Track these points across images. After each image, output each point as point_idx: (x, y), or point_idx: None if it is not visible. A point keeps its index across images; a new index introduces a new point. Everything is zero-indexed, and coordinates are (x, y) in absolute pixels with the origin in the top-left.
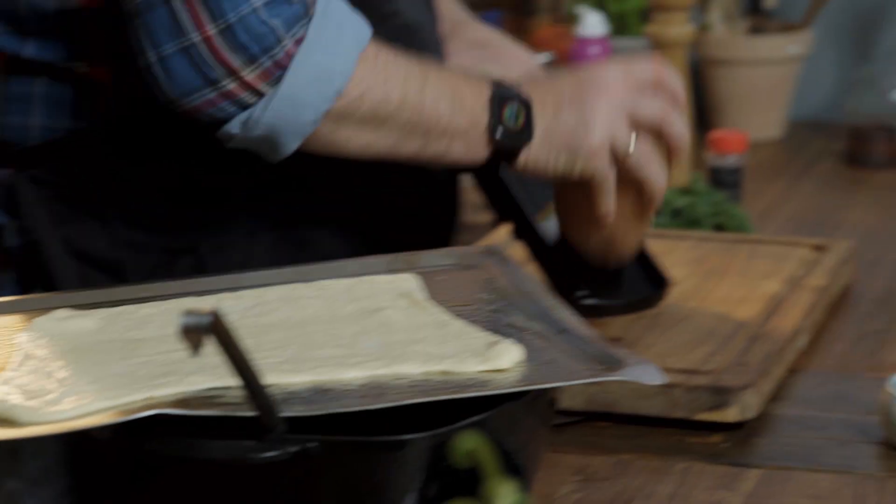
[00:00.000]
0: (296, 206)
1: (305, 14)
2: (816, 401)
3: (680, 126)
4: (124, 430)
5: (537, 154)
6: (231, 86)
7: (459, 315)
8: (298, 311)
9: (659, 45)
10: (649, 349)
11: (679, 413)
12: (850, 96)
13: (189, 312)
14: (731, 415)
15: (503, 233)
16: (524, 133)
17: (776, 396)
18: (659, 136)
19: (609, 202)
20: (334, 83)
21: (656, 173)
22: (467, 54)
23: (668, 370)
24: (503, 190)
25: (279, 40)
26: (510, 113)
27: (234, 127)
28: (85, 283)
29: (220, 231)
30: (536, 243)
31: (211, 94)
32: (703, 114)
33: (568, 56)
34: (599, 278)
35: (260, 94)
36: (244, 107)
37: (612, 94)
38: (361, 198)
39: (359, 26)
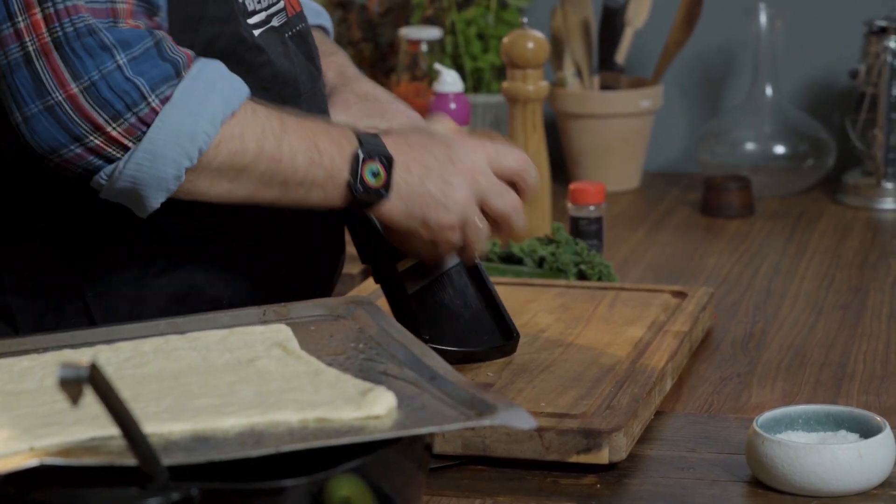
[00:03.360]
0: (182, 251)
1: (176, 75)
2: (684, 441)
3: (521, 222)
4: (9, 481)
5: (392, 211)
6: (97, 141)
7: (332, 364)
8: (174, 362)
9: (514, 101)
10: (520, 394)
11: (552, 456)
12: (701, 148)
13: (67, 365)
14: (602, 457)
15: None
16: (382, 191)
17: (645, 438)
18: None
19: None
20: (197, 143)
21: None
22: (355, 107)
23: (539, 414)
24: (369, 233)
25: (143, 97)
26: (370, 171)
27: (101, 178)
28: None
29: (107, 276)
30: (392, 288)
31: (78, 150)
32: (562, 166)
33: (427, 112)
34: (447, 327)
35: (125, 149)
36: (110, 160)
37: (475, 180)
38: (248, 245)
39: (232, 89)
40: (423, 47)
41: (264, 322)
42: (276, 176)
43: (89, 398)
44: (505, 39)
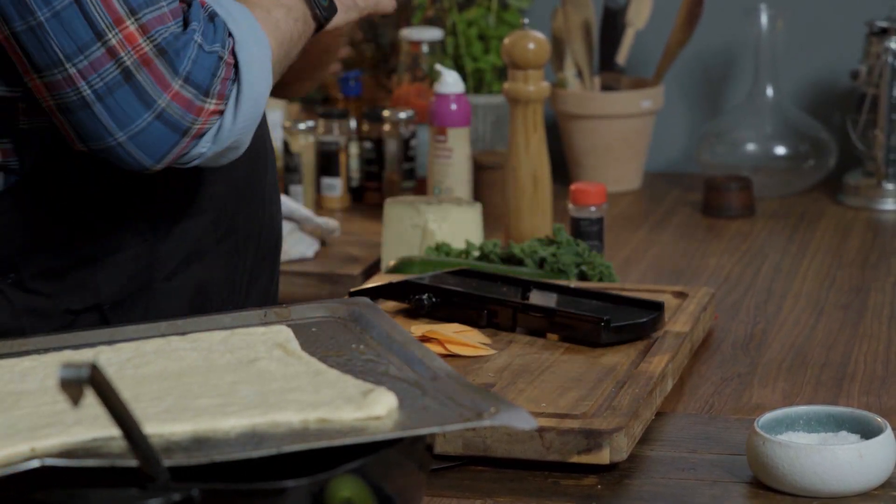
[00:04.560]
0: (187, 255)
1: (222, 21)
2: (685, 442)
3: None
4: (10, 481)
5: (339, 17)
6: (198, 125)
7: (333, 365)
8: (175, 362)
9: (515, 102)
10: (521, 394)
11: (553, 456)
12: (702, 148)
13: (67, 365)
14: (603, 457)
15: (373, 284)
16: (333, 4)
17: (646, 439)
18: None
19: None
20: (266, 60)
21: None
22: None
23: (540, 415)
24: None
25: (220, 59)
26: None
27: (202, 147)
28: None
29: (120, 286)
30: (540, 316)
31: (184, 142)
32: (563, 166)
33: (428, 113)
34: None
35: (220, 113)
36: (206, 133)
37: None
38: (251, 245)
39: (250, 16)
40: (425, 48)
41: (265, 323)
42: (285, 46)
43: (90, 399)
44: (506, 40)
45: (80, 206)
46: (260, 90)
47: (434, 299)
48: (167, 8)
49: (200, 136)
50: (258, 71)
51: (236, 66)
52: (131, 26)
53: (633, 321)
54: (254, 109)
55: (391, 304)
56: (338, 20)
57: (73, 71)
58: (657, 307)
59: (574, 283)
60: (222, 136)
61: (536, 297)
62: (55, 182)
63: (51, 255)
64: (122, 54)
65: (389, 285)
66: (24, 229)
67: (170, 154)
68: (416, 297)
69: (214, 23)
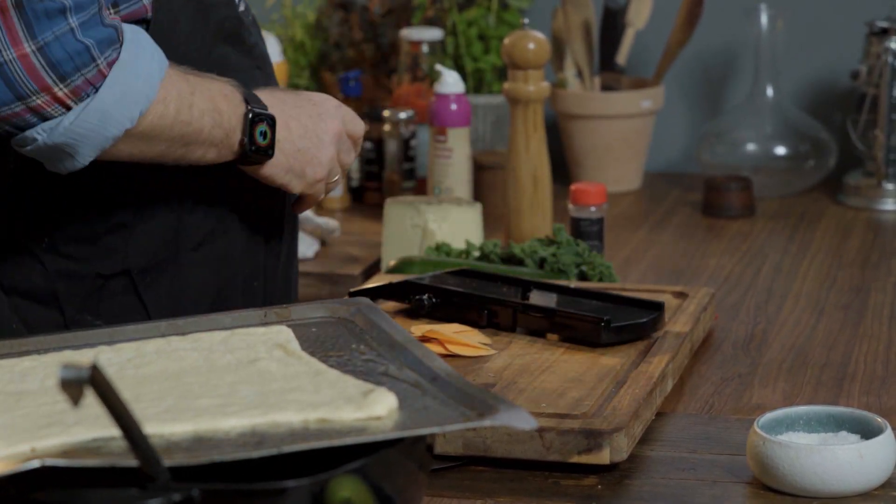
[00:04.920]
0: (214, 221)
1: (117, 38)
2: (685, 442)
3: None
4: (10, 481)
5: (274, 167)
6: (39, 101)
7: (334, 365)
8: (176, 362)
9: (515, 102)
10: (521, 395)
11: (553, 456)
12: (702, 148)
13: (68, 365)
14: (603, 457)
15: (373, 284)
16: (268, 150)
17: (646, 439)
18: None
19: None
20: (139, 104)
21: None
22: None
23: (540, 415)
24: None
25: (93, 59)
26: (259, 131)
27: (37, 132)
28: (19, 316)
29: (149, 253)
30: (540, 316)
31: (18, 108)
32: (563, 167)
33: (428, 113)
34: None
35: (67, 109)
36: (46, 119)
37: (336, 139)
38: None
39: (160, 53)
40: (425, 48)
41: (265, 323)
42: (185, 137)
43: (90, 399)
44: (506, 40)
45: (114, 175)
46: (116, 114)
47: (434, 300)
48: None
49: (39, 114)
50: (123, 98)
51: (103, 79)
52: None
53: (633, 321)
54: (98, 125)
55: (391, 305)
56: (271, 171)
57: None
58: (657, 307)
59: (574, 284)
60: (57, 131)
61: (537, 298)
62: None
63: (84, 221)
64: None
65: (389, 285)
66: (61, 195)
67: (1, 110)
68: (417, 297)
69: (107, 29)
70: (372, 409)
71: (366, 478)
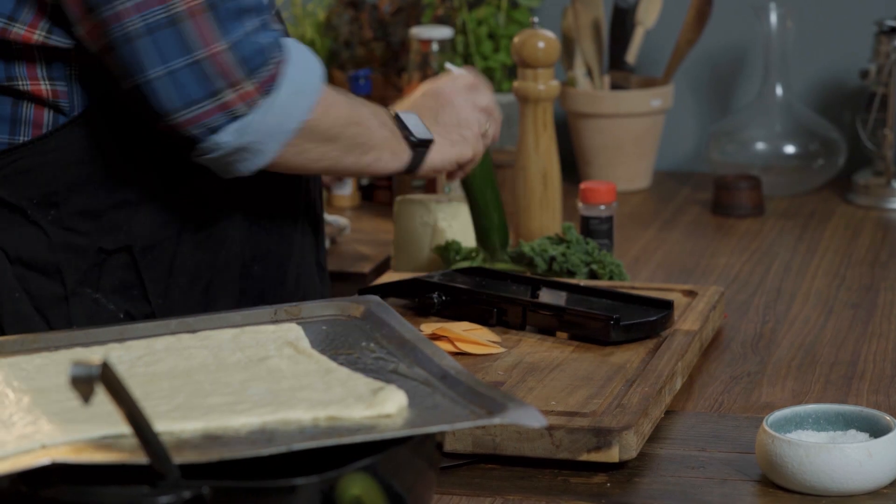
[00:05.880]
0: (214, 206)
1: (283, 37)
2: (694, 440)
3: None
4: (21, 479)
5: (440, 149)
6: (229, 97)
7: (343, 363)
8: (186, 360)
9: (525, 100)
10: (530, 392)
11: (562, 454)
12: (711, 147)
13: (78, 363)
14: (612, 455)
15: (383, 282)
16: (430, 135)
17: (655, 437)
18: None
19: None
20: (310, 97)
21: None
22: None
23: (549, 413)
24: None
25: (273, 56)
26: (412, 121)
27: (226, 135)
28: (22, 286)
29: (151, 231)
30: (549, 315)
31: (209, 106)
32: (573, 165)
33: None
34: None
35: (253, 105)
36: (234, 118)
37: (463, 97)
38: (266, 197)
39: (315, 57)
40: (434, 46)
41: (276, 321)
42: (359, 138)
43: (101, 396)
44: (516, 39)
45: (121, 152)
46: (294, 107)
47: (444, 297)
48: None
49: (229, 112)
50: (299, 91)
51: (282, 74)
52: None
53: (642, 319)
54: (282, 117)
55: (401, 302)
56: (440, 155)
57: (121, 7)
58: (667, 306)
59: (584, 282)
60: (248, 130)
61: (546, 296)
62: (100, 127)
63: (90, 195)
64: (174, 1)
65: (399, 283)
66: (69, 169)
67: (193, 108)
68: (427, 295)
69: (276, 31)
70: (382, 406)
71: (376, 475)
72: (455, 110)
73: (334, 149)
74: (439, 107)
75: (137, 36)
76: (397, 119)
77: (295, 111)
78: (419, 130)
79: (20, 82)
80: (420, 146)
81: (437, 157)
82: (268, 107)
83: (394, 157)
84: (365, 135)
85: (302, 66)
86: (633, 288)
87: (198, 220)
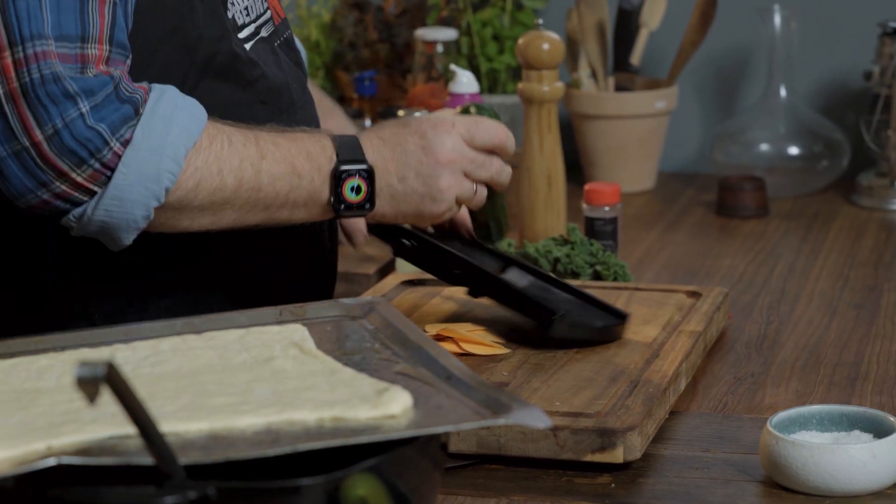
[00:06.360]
0: (186, 271)
1: (134, 115)
2: (699, 441)
3: (507, 177)
4: (26, 479)
5: (383, 214)
6: (63, 187)
7: (348, 363)
8: (191, 360)
9: (530, 102)
10: (535, 393)
11: (567, 455)
12: (716, 148)
13: (84, 363)
14: (617, 456)
15: (388, 283)
16: (364, 205)
17: (660, 438)
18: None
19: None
20: (162, 182)
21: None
22: None
23: (554, 413)
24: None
25: (106, 143)
26: (350, 187)
27: (70, 219)
28: None
29: (112, 297)
30: (506, 292)
31: (45, 195)
32: (577, 166)
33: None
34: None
35: (91, 193)
36: (77, 204)
37: (452, 163)
38: (250, 263)
39: (190, 119)
40: (439, 48)
41: (281, 322)
42: (258, 203)
43: (106, 397)
44: (520, 40)
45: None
46: (136, 196)
47: (414, 244)
48: (74, 49)
49: (66, 200)
50: (141, 178)
51: (119, 161)
52: (8, 58)
53: (587, 322)
54: (121, 208)
55: (404, 302)
56: (379, 220)
57: None
58: (621, 316)
59: (579, 283)
60: (86, 217)
61: (512, 275)
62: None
63: (41, 263)
64: None
65: (379, 225)
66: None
67: (30, 197)
68: (399, 239)
69: (123, 106)
70: (387, 407)
71: (380, 476)
72: (426, 182)
73: (226, 216)
74: (410, 170)
75: None
76: (332, 176)
77: (138, 199)
78: (353, 196)
79: None
80: (345, 215)
81: (374, 220)
82: (104, 197)
83: (310, 217)
84: (267, 199)
85: (156, 146)
86: (638, 289)
87: (167, 283)
